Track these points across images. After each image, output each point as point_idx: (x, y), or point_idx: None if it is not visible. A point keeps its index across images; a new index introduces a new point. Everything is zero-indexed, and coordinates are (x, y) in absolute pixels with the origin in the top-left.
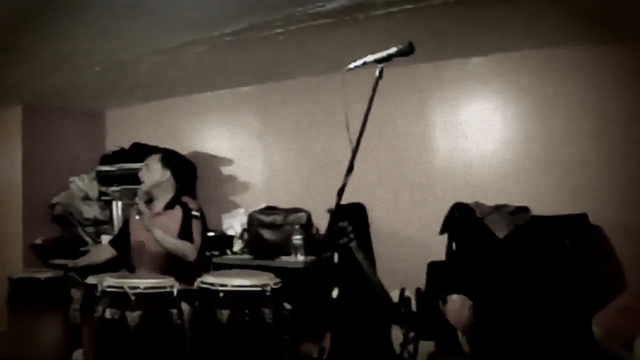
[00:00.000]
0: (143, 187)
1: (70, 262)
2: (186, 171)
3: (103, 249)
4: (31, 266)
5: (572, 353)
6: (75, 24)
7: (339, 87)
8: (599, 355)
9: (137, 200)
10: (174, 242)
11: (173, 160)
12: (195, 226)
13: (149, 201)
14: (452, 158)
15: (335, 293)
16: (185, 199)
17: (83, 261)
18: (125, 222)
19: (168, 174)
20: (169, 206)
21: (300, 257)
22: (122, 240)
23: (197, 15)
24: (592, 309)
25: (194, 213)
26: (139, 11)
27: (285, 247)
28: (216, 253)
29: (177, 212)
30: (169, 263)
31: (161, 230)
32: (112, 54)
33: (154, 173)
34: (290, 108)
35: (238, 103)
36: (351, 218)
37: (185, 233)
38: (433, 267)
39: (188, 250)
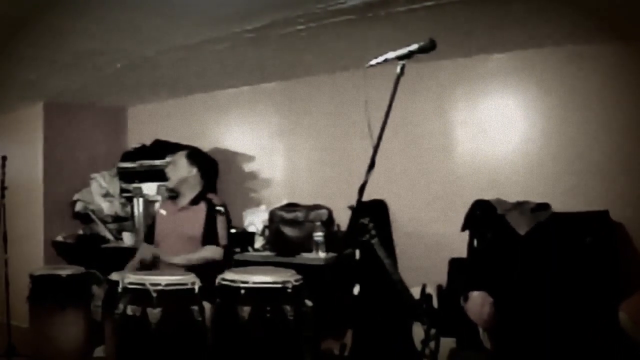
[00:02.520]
0: (170, 184)
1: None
2: (210, 168)
3: (147, 247)
4: (52, 263)
5: (594, 347)
6: (96, 20)
7: (360, 84)
8: (624, 341)
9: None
10: (198, 257)
11: (199, 157)
12: (220, 222)
13: (175, 197)
14: (473, 155)
15: (356, 290)
16: (210, 195)
17: (135, 262)
18: (154, 217)
19: (194, 170)
20: (194, 202)
21: (322, 254)
22: (153, 234)
23: (218, 11)
24: (613, 305)
25: (218, 208)
26: (160, 8)
27: (307, 244)
28: (237, 250)
29: (202, 207)
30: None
31: (185, 224)
32: (133, 50)
33: (180, 169)
34: (312, 105)
35: (259, 100)
36: (372, 215)
37: (209, 229)
38: (454, 264)
39: (215, 253)
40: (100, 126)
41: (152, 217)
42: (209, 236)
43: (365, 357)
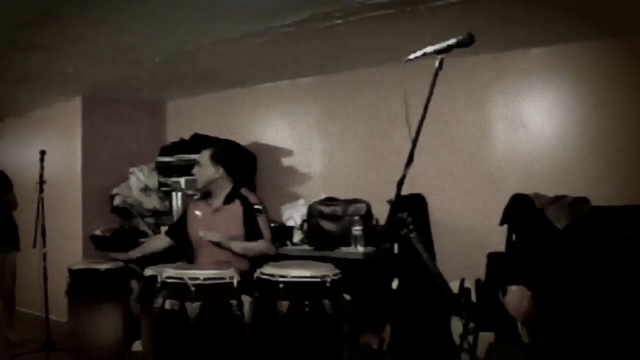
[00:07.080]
0: (197, 185)
1: (120, 255)
2: (241, 164)
3: (159, 239)
4: (90, 257)
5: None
6: (135, 14)
7: (398, 78)
8: None
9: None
10: (252, 247)
11: (224, 155)
12: (262, 220)
13: (207, 196)
14: (511, 149)
15: (395, 284)
16: (245, 192)
17: (135, 253)
18: (183, 214)
19: (221, 170)
20: (228, 201)
21: (360, 248)
22: (178, 231)
23: (257, 6)
24: None
25: (257, 207)
26: (199, 2)
27: (345, 238)
28: (276, 244)
29: (237, 206)
30: (228, 257)
31: (222, 224)
32: (172, 45)
33: (205, 170)
34: (350, 99)
35: (298, 94)
36: (411, 209)
37: (250, 228)
38: (493, 258)
39: (268, 248)
40: (139, 120)
41: (183, 212)
42: (252, 235)
43: (403, 352)
